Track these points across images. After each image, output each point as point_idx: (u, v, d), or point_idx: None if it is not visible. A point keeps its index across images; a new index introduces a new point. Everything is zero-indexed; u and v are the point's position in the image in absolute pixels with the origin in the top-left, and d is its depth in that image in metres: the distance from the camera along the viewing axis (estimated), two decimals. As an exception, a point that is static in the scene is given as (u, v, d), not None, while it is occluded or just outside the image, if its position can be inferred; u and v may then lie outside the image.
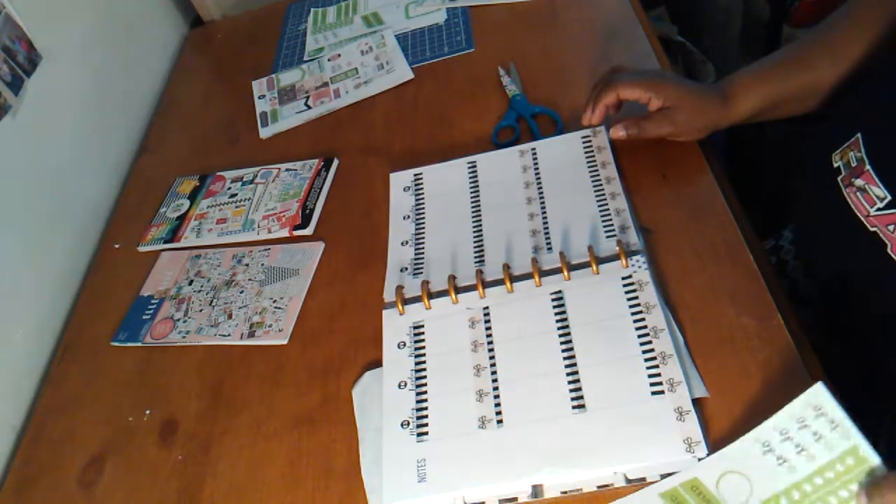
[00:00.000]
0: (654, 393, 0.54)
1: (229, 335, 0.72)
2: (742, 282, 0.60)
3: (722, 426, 0.52)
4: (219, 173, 0.92)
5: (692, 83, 0.69)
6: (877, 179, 0.52)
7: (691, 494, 0.48)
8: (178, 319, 0.75)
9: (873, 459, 0.44)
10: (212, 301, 0.76)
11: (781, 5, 1.41)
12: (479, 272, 0.66)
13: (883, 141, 0.53)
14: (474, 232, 0.71)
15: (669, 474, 0.50)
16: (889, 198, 0.51)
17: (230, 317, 0.74)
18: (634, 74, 0.70)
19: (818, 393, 0.46)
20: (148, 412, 0.69)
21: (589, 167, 0.73)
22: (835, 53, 0.64)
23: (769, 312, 0.58)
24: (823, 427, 0.46)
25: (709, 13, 1.40)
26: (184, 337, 0.74)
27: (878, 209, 0.52)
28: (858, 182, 0.53)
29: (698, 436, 0.51)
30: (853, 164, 0.54)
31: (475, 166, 0.78)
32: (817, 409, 0.46)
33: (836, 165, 0.56)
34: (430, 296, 0.66)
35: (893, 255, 0.51)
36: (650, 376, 0.55)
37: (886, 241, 0.52)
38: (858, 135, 0.55)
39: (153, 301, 0.79)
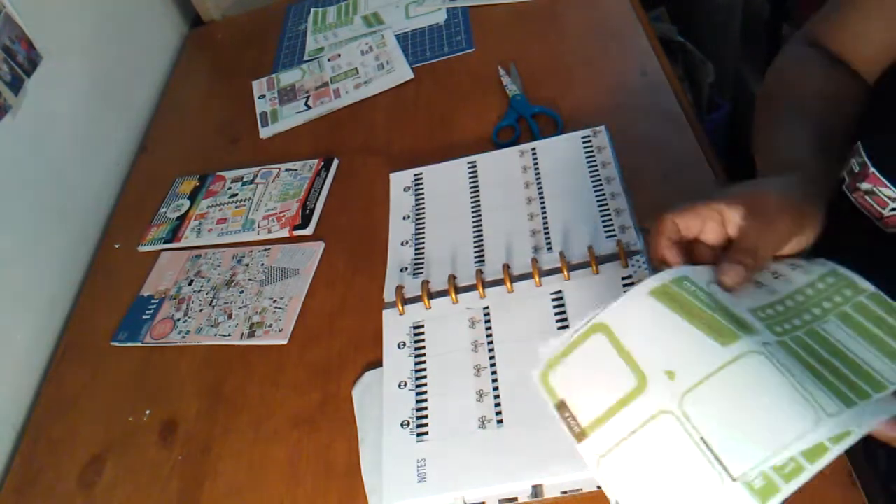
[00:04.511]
0: (654, 393, 0.54)
1: (229, 335, 0.72)
2: (742, 282, 0.60)
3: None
4: (219, 173, 0.92)
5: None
6: (884, 180, 0.52)
7: (683, 289, 0.44)
8: (178, 319, 0.75)
9: (854, 278, 0.45)
10: (212, 301, 0.76)
11: (781, 5, 1.41)
12: (479, 272, 0.66)
13: (884, 143, 0.53)
14: (474, 232, 0.71)
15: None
16: None
17: (230, 317, 0.74)
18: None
19: None
20: (148, 412, 0.69)
21: (589, 167, 0.73)
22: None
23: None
24: (799, 261, 0.47)
25: (709, 13, 1.40)
26: (184, 337, 0.74)
27: (892, 209, 0.52)
28: (864, 186, 0.53)
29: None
30: (856, 171, 0.54)
31: (475, 166, 0.78)
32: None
33: (840, 176, 0.56)
34: (430, 296, 0.66)
35: None
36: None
37: None
38: (858, 143, 0.54)
39: (153, 301, 0.79)
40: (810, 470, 0.36)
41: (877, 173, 0.52)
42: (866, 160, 0.53)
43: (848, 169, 0.55)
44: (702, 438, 0.37)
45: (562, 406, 0.43)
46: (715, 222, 0.47)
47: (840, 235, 0.59)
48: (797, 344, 0.42)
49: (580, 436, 0.41)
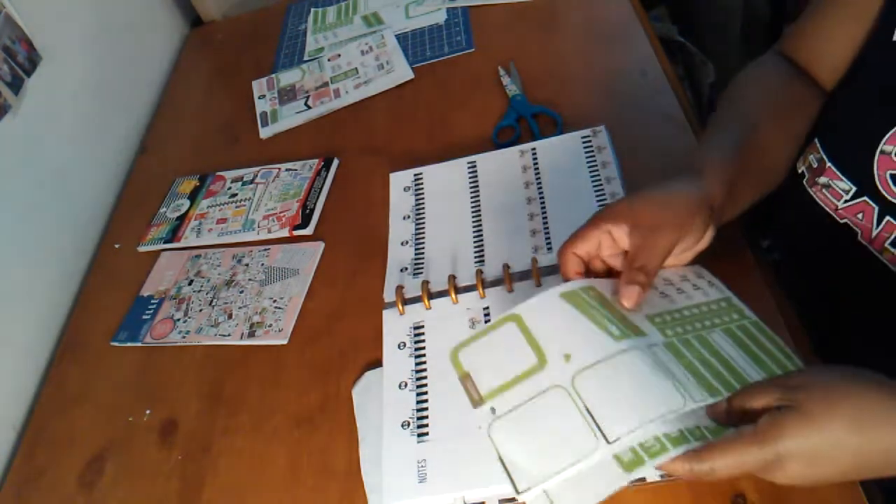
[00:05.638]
0: (654, 393, 0.54)
1: (229, 335, 0.72)
2: (742, 281, 0.60)
3: (722, 426, 0.52)
4: (219, 173, 0.92)
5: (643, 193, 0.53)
6: (839, 174, 0.55)
7: (590, 296, 0.51)
8: (178, 319, 0.75)
9: (743, 307, 0.52)
10: (212, 301, 0.76)
11: (781, 5, 1.41)
12: (479, 272, 0.66)
13: (839, 139, 0.56)
14: (474, 232, 0.71)
15: (670, 475, 0.50)
16: (854, 189, 0.54)
17: (230, 317, 0.74)
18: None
19: (701, 268, 0.56)
20: (148, 412, 0.69)
21: (589, 167, 0.73)
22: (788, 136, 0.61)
23: (770, 312, 0.57)
24: (702, 283, 0.54)
25: (709, 13, 1.40)
26: (184, 337, 0.74)
27: (846, 201, 0.55)
28: (822, 180, 0.57)
29: (698, 436, 0.51)
30: (814, 166, 0.57)
31: (475, 166, 0.78)
32: (698, 275, 0.55)
33: (800, 171, 0.59)
34: (430, 296, 0.66)
35: (864, 242, 0.54)
36: (650, 376, 0.55)
37: (856, 230, 0.55)
38: (815, 140, 0.58)
39: (153, 301, 0.79)
40: (672, 452, 0.42)
41: (833, 168, 0.55)
42: (823, 156, 0.56)
43: (807, 165, 0.58)
44: (586, 408, 0.44)
45: (466, 377, 0.49)
46: (606, 241, 0.52)
47: (800, 228, 0.62)
48: (683, 345, 0.49)
49: (478, 402, 0.47)
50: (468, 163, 0.78)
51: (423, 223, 0.74)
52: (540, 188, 0.73)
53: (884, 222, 0.52)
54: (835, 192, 0.55)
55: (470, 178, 0.77)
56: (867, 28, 0.55)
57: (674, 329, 0.50)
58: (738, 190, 0.55)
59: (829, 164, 0.56)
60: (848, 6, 0.57)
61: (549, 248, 0.67)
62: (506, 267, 0.65)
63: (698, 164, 0.54)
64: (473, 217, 0.73)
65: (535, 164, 0.76)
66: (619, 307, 0.50)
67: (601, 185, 0.71)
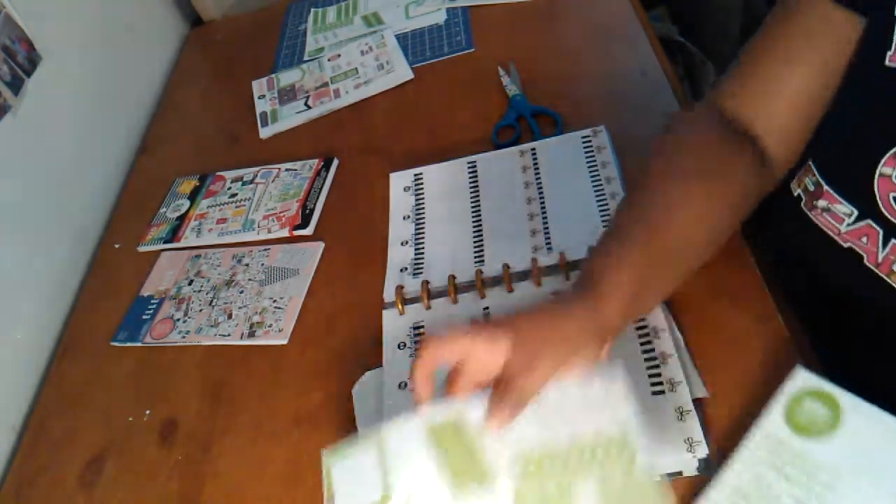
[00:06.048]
0: (654, 393, 0.54)
1: (229, 335, 0.72)
2: (742, 282, 0.60)
3: (722, 425, 0.52)
4: (219, 173, 0.92)
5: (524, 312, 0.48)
6: (838, 197, 0.53)
7: (453, 428, 0.48)
8: (178, 319, 0.75)
9: (639, 446, 0.45)
10: (212, 301, 0.76)
11: (781, 5, 1.41)
12: (479, 272, 0.66)
13: (836, 162, 0.54)
14: (474, 232, 0.71)
15: (671, 474, 0.50)
16: (856, 212, 0.52)
17: (230, 317, 0.74)
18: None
19: (618, 366, 0.48)
20: (148, 412, 0.69)
21: (589, 167, 0.73)
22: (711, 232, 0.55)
23: (769, 312, 0.58)
24: (607, 406, 0.47)
25: (709, 13, 1.40)
26: (184, 337, 0.74)
27: (849, 224, 0.53)
28: (821, 203, 0.54)
29: (699, 435, 0.51)
30: (811, 189, 0.55)
31: (475, 166, 0.78)
32: (610, 380, 0.48)
33: (796, 194, 0.57)
34: (430, 296, 0.66)
35: (869, 266, 0.52)
36: (650, 376, 0.55)
37: (862, 254, 0.52)
38: (809, 161, 0.55)
39: (153, 301, 0.79)
40: None
41: (831, 191, 0.53)
42: (820, 179, 0.54)
43: (802, 188, 0.56)
44: None
45: (331, 499, 0.48)
46: (484, 352, 0.46)
47: (800, 248, 0.59)
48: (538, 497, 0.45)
49: None
50: (468, 163, 0.78)
51: (423, 223, 0.74)
52: (540, 188, 0.73)
53: (889, 245, 0.50)
54: (836, 215, 0.53)
55: (470, 178, 0.77)
56: (822, 80, 0.52)
57: (538, 477, 0.46)
58: (645, 297, 0.51)
59: (826, 188, 0.53)
60: (802, 60, 0.53)
61: (549, 249, 0.67)
62: (506, 267, 0.65)
63: (596, 279, 0.49)
64: (473, 217, 0.73)
65: (535, 164, 0.76)
66: (483, 434, 0.47)
67: (601, 185, 0.71)
